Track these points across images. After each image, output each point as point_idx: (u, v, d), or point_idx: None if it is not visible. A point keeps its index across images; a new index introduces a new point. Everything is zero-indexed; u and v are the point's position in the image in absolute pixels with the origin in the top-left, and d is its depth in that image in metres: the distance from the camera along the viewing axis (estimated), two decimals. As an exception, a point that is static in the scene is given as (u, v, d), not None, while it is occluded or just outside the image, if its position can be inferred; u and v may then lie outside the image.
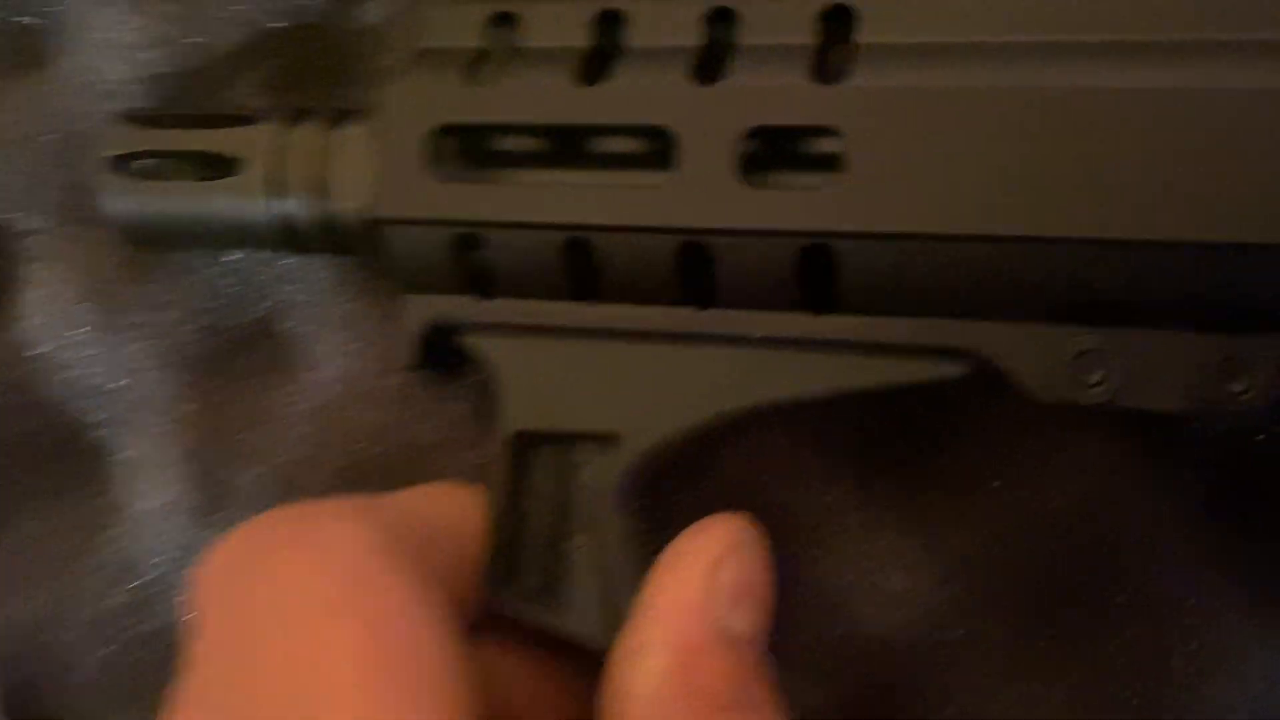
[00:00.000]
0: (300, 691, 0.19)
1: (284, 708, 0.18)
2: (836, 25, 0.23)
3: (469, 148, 0.25)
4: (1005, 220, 0.21)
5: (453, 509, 0.24)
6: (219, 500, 0.30)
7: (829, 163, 0.22)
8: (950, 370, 0.23)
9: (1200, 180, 0.20)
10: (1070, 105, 0.21)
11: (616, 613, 0.24)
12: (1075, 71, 0.21)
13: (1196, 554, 0.26)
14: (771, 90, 0.22)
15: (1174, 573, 0.26)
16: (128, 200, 0.28)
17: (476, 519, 0.25)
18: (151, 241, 0.30)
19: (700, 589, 0.22)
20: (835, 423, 0.28)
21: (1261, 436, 0.26)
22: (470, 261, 0.25)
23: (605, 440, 0.25)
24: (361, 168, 0.26)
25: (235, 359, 0.31)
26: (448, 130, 0.25)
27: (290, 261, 0.31)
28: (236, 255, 0.31)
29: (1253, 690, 0.26)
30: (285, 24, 0.31)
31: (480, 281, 0.25)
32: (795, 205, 0.22)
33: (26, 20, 0.33)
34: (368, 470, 0.30)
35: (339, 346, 0.30)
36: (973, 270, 0.22)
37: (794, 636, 0.26)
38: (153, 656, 0.31)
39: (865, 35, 0.22)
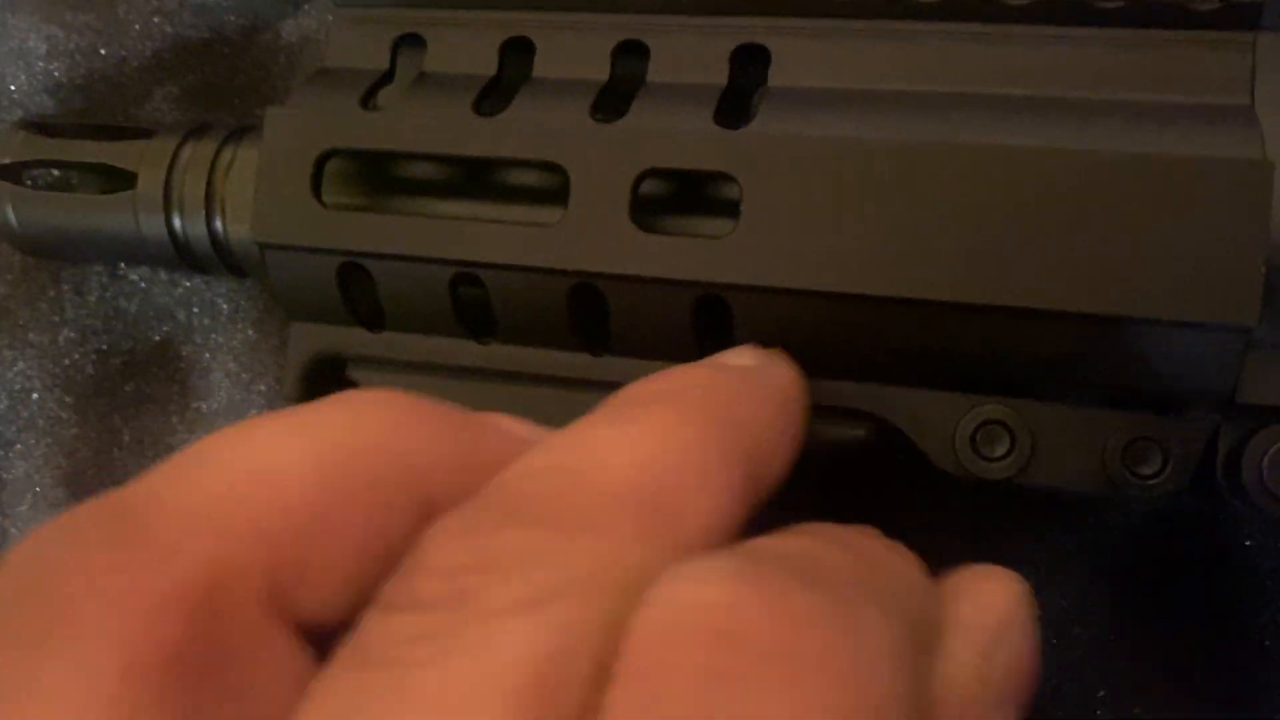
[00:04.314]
0: None
1: None
2: (747, 67, 0.22)
3: (360, 174, 0.24)
4: (904, 283, 0.20)
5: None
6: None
7: (731, 209, 0.21)
8: (853, 432, 0.22)
9: (1113, 250, 0.19)
10: (981, 163, 0.20)
11: None
12: (991, 128, 0.20)
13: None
14: (670, 132, 0.21)
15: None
16: (18, 209, 0.27)
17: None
18: (44, 253, 0.28)
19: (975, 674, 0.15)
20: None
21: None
22: (357, 293, 0.24)
23: None
24: (250, 190, 0.25)
25: (127, 384, 0.30)
26: (334, 155, 0.23)
27: (193, 283, 0.30)
28: (136, 275, 0.30)
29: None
30: (203, 39, 0.30)
31: (369, 314, 0.24)
32: (689, 254, 0.21)
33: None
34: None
35: (231, 376, 0.29)
36: (872, 332, 0.21)
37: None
38: None
39: (774, 79, 0.21)
